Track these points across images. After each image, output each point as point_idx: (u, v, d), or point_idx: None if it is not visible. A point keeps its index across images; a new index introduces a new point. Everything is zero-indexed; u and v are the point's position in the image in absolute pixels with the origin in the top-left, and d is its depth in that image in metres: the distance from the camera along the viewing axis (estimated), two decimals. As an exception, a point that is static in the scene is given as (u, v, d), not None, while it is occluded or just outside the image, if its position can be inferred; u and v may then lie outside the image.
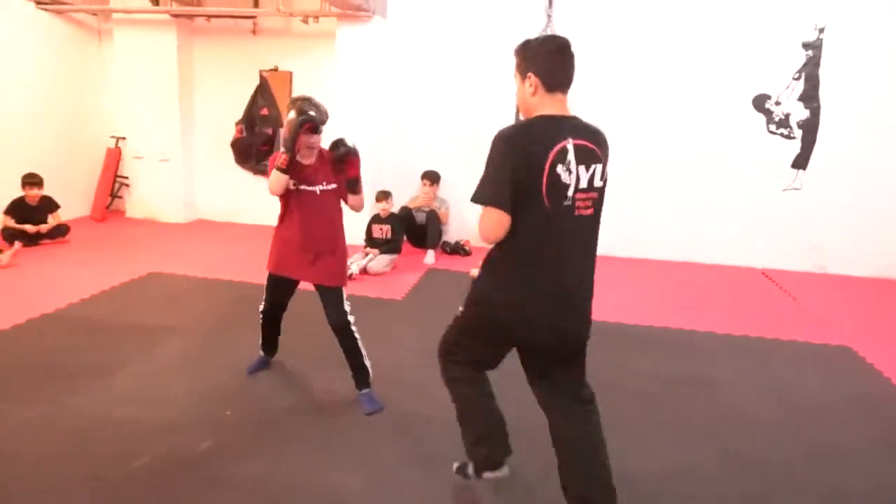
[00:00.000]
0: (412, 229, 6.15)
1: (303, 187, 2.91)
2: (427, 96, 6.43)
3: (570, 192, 1.87)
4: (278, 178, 2.82)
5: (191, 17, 6.82)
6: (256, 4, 6.54)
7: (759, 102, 5.95)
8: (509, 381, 2.33)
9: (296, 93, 6.82)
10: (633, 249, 6.36)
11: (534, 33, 5.82)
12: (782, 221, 6.08)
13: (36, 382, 3.14)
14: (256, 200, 6.82)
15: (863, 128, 5.80)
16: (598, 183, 1.94)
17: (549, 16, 5.74)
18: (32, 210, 5.88)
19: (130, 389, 3.13)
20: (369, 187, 5.50)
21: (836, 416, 3.19)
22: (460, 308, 2.15)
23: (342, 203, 3.07)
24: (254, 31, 6.78)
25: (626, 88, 6.11)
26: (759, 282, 5.75)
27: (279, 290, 3.12)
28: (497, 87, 6.15)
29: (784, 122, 5.96)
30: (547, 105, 1.96)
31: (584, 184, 1.90)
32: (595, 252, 2.02)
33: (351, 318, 2.99)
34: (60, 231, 5.98)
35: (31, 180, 5.87)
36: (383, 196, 5.73)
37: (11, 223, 5.72)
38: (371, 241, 5.64)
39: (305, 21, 6.34)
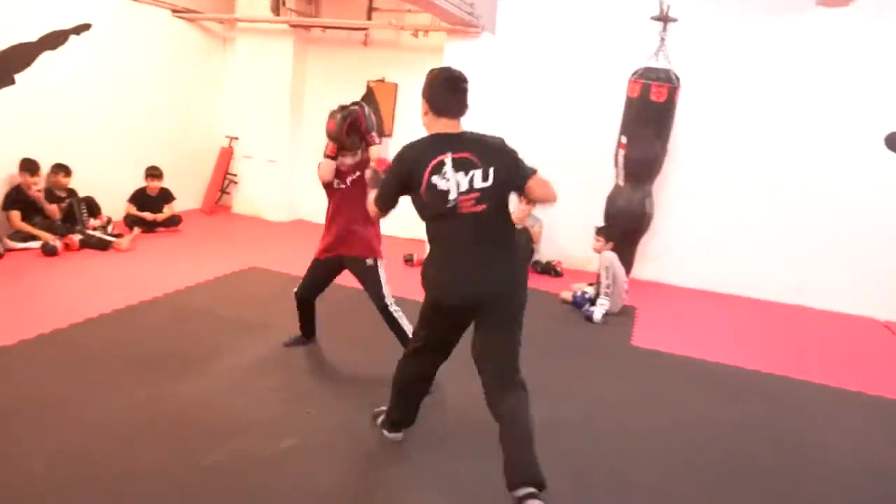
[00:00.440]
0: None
1: (340, 186, 3.36)
2: (530, 114, 6.37)
3: (452, 196, 2.30)
4: (326, 164, 3.31)
5: (307, 27, 7.15)
6: (370, 17, 6.76)
7: (893, 141, 5.45)
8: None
9: (400, 104, 6.99)
10: (740, 288, 5.99)
11: (646, 54, 5.59)
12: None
13: (142, 366, 3.31)
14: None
15: None
16: (478, 185, 2.32)
17: (662, 38, 5.53)
18: (152, 200, 6.33)
19: (223, 381, 3.24)
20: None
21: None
22: None
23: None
24: (364, 43, 7.01)
25: (741, 120, 5.80)
26: (881, 335, 5.24)
27: (318, 271, 3.49)
28: (602, 108, 6.01)
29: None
30: (436, 127, 2.39)
31: (464, 187, 2.30)
32: (495, 236, 2.38)
33: (390, 301, 3.34)
34: (174, 221, 6.39)
35: (154, 173, 6.34)
36: (477, 211, 5.70)
37: (133, 210, 6.19)
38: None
39: (415, 35, 6.48)
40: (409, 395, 2.70)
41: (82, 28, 5.83)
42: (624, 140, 5.49)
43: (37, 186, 5.36)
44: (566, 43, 6.17)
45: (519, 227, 6.05)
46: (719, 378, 3.95)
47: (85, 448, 2.51)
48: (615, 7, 5.97)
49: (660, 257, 6.10)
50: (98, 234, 5.54)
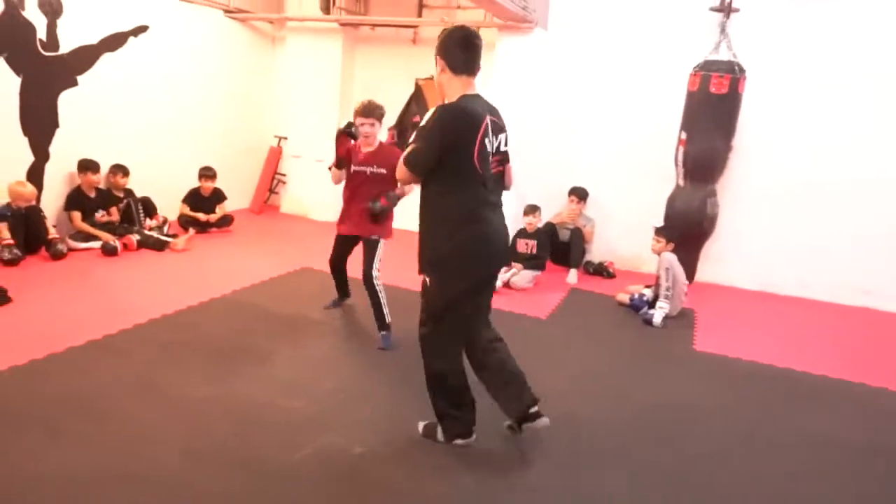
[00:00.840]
0: (554, 246, 5.97)
1: (358, 168, 3.85)
2: (583, 111, 6.23)
3: (490, 158, 2.47)
4: (334, 174, 3.97)
5: (356, 25, 7.13)
6: (420, 14, 6.70)
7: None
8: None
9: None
10: (803, 290, 5.75)
11: (705, 49, 5.36)
12: None
13: (208, 363, 3.36)
14: (403, 204, 6.95)
15: None
16: (502, 147, 2.56)
17: (722, 30, 5.32)
18: (205, 200, 6.40)
19: (285, 380, 3.25)
20: (516, 200, 5.43)
21: None
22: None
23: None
24: (413, 41, 6.96)
25: (810, 113, 5.53)
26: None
27: (340, 245, 4.11)
28: (657, 104, 5.85)
29: None
30: (455, 84, 2.46)
31: (494, 149, 2.49)
32: (500, 197, 2.63)
33: (376, 274, 3.80)
34: (226, 221, 6.45)
35: (207, 173, 6.40)
36: (531, 210, 5.59)
37: (187, 210, 6.27)
38: (515, 254, 5.53)
39: (466, 31, 6.39)
40: (468, 396, 2.67)
41: (140, 30, 5.93)
42: (683, 136, 5.31)
43: (98, 185, 5.49)
44: (621, 37, 6.00)
45: (571, 226, 5.94)
46: (793, 384, 3.78)
47: (170, 435, 2.54)
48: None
49: (716, 258, 5.89)
50: (155, 234, 5.63)
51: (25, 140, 5.11)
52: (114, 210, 5.62)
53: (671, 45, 5.77)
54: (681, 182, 5.38)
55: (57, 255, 4.91)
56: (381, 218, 3.78)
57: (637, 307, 4.94)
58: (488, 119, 2.41)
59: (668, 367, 3.95)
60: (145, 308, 4.00)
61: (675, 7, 5.76)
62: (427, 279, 2.56)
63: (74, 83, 5.41)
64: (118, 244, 5.24)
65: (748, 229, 5.76)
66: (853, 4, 5.29)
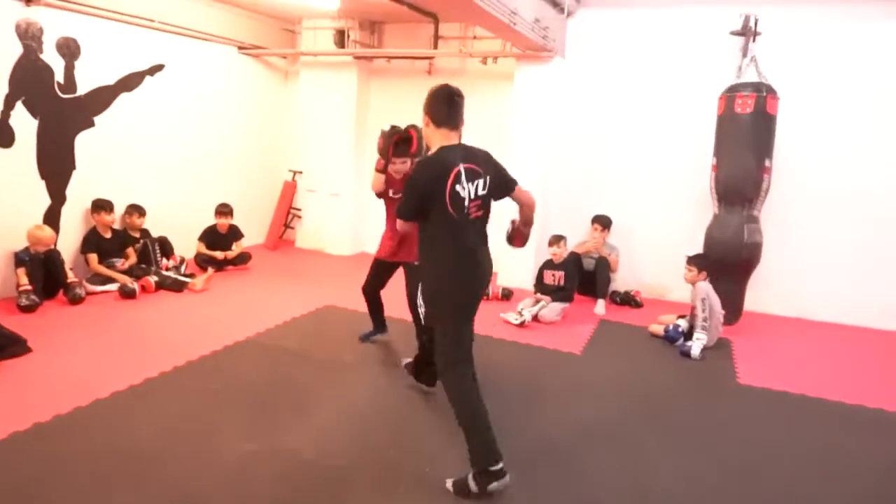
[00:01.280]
0: (579, 276, 5.83)
1: (397, 196, 3.70)
2: (603, 139, 6.16)
3: (466, 203, 2.58)
4: (377, 177, 3.82)
5: (370, 58, 7.10)
6: (435, 46, 6.67)
7: None
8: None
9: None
10: (841, 315, 5.59)
11: (726, 79, 5.28)
12: None
13: (245, 414, 3.20)
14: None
15: None
16: (480, 192, 2.63)
17: (744, 54, 5.26)
18: (221, 237, 6.30)
19: (329, 430, 3.08)
20: (539, 229, 5.30)
21: None
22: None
23: None
24: (429, 72, 6.91)
25: (845, 135, 5.43)
26: None
27: (379, 271, 4.07)
28: (679, 133, 5.77)
29: None
30: (436, 136, 2.63)
31: (472, 195, 2.59)
32: (484, 237, 2.74)
33: (421, 301, 3.56)
34: (243, 258, 6.33)
35: (224, 210, 6.31)
36: (556, 240, 5.46)
37: (203, 249, 6.16)
38: (542, 286, 5.39)
39: (484, 62, 6.35)
40: (486, 423, 2.61)
41: (156, 69, 5.89)
42: (714, 161, 5.20)
43: (112, 225, 5.39)
44: (642, 64, 5.95)
45: (595, 255, 5.81)
46: (848, 417, 3.61)
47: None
48: (694, 25, 5.72)
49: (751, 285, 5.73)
50: (172, 274, 5.51)
51: (42, 183, 5.03)
52: (131, 251, 5.51)
53: (695, 71, 5.72)
54: (716, 209, 5.22)
55: (75, 300, 4.79)
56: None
57: (672, 339, 4.77)
58: (462, 167, 2.55)
59: (719, 403, 3.77)
60: (169, 354, 3.85)
61: (698, 33, 5.70)
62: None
63: (91, 124, 5.35)
64: (136, 286, 5.12)
65: (780, 252, 5.60)
66: (870, 21, 5.24)
